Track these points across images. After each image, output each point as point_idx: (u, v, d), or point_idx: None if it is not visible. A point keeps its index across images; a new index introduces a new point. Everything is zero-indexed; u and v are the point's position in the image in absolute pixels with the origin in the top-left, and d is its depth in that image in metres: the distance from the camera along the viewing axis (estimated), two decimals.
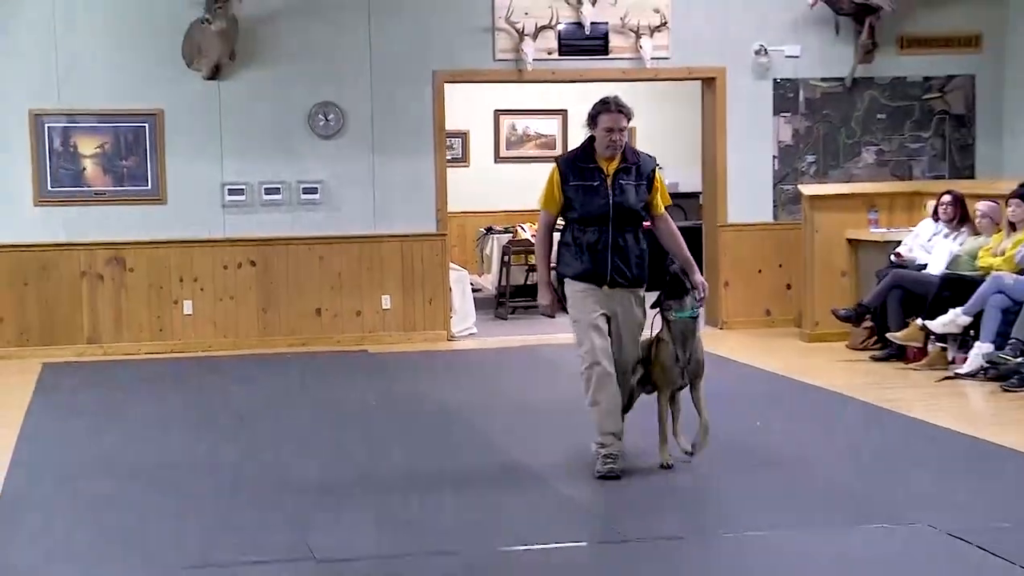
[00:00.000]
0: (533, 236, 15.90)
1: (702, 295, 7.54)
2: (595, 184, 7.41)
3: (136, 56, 12.74)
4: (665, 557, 6.25)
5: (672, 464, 7.53)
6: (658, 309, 7.55)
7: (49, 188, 12.70)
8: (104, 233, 12.81)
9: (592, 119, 7.48)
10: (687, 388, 7.60)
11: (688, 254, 7.63)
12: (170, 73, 12.77)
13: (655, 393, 7.68)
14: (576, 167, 7.49)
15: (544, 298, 7.69)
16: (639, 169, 7.49)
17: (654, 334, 7.57)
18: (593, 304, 7.41)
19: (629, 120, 7.46)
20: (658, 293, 7.53)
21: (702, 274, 7.72)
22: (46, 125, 12.65)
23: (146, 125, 12.80)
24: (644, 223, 7.59)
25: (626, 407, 7.63)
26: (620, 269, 7.42)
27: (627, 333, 7.52)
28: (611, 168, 7.42)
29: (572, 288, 7.52)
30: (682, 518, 6.84)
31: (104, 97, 12.72)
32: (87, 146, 12.75)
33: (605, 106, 7.41)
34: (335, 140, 13.15)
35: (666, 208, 7.59)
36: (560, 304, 7.66)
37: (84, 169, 12.76)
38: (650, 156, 7.65)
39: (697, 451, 7.57)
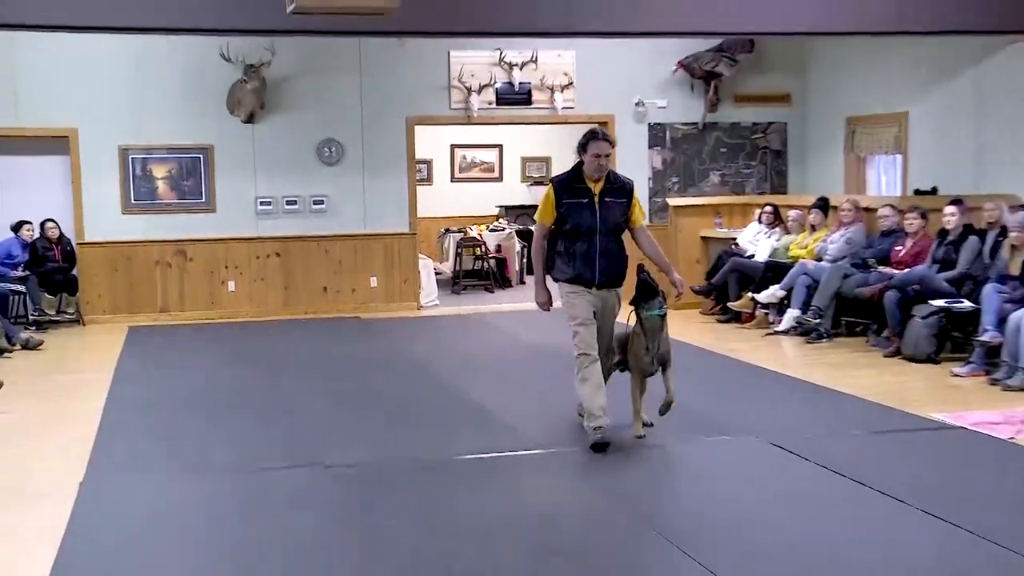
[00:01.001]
0: (479, 235, 15.99)
1: (679, 291, 6.95)
2: (585, 202, 6.59)
3: (194, 106, 12.64)
4: (570, 462, 6.31)
5: (644, 435, 6.70)
6: (632, 308, 6.84)
7: (132, 201, 12.57)
8: (171, 233, 12.70)
9: (583, 147, 6.58)
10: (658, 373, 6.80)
11: (665, 258, 7.11)
12: (218, 118, 12.67)
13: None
14: (569, 187, 6.66)
15: (541, 296, 6.83)
16: (621, 189, 6.72)
17: (630, 329, 6.88)
18: (584, 303, 6.66)
19: (613, 147, 6.71)
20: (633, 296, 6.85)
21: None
22: (130, 156, 12.52)
23: (201, 156, 12.70)
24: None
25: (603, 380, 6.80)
26: (605, 273, 6.75)
27: (607, 322, 6.85)
28: (598, 188, 6.62)
29: (564, 290, 6.73)
30: (577, 437, 6.71)
31: (171, 135, 12.61)
32: (159, 171, 12.64)
33: (594, 136, 6.57)
34: (336, 166, 13.08)
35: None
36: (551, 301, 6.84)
37: (157, 188, 12.64)
38: (629, 179, 6.84)
39: (663, 413, 6.66)
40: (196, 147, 12.71)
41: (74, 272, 12.49)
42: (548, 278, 6.83)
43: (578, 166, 6.72)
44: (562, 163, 18.73)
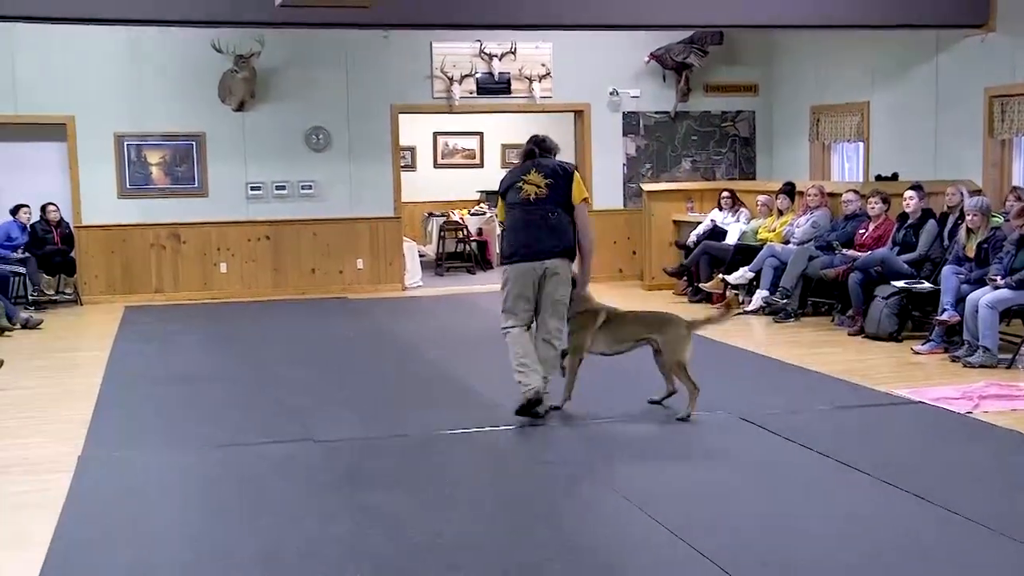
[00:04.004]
0: (460, 219, 15.95)
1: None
2: None
3: (186, 95, 12.55)
4: (549, 437, 6.31)
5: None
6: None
7: (127, 186, 12.49)
8: (165, 217, 12.63)
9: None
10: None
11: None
12: (210, 107, 12.59)
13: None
14: None
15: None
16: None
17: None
18: None
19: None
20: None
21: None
22: (125, 143, 12.43)
23: (194, 143, 12.61)
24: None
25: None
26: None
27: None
28: None
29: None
30: (557, 414, 6.67)
31: (165, 123, 12.53)
32: (153, 157, 12.55)
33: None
34: (324, 153, 13.02)
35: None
36: None
37: (151, 173, 12.56)
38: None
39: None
40: (189, 134, 12.62)
41: (72, 254, 12.41)
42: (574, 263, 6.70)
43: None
44: None
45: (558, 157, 6.87)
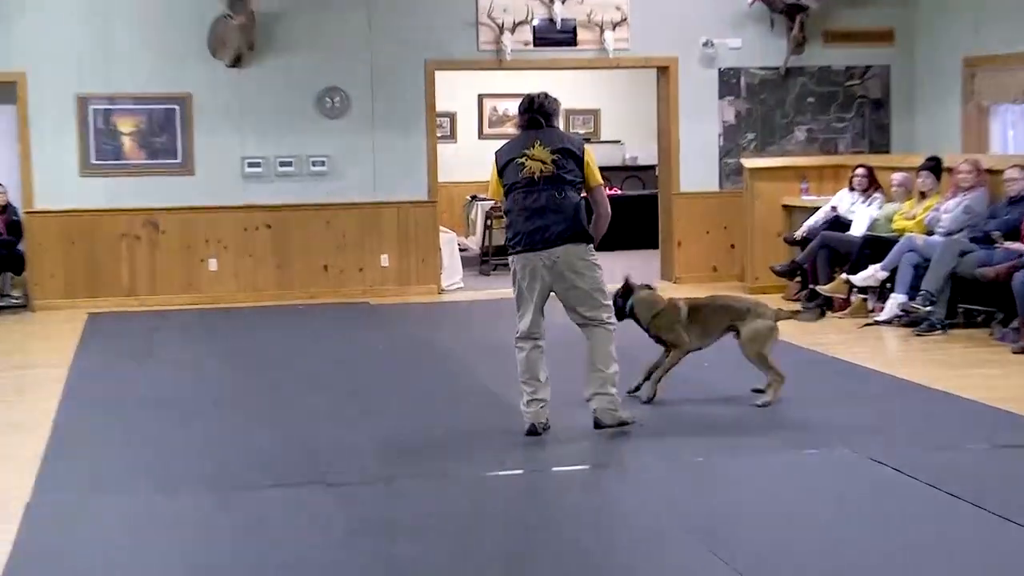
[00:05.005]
0: None
1: None
2: None
3: (168, 47, 12.66)
4: (625, 479, 6.27)
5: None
6: None
7: (92, 161, 12.63)
8: (140, 200, 12.74)
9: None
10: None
11: None
12: (198, 62, 12.70)
13: None
14: None
15: None
16: None
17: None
18: None
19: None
20: None
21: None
22: (91, 107, 12.57)
23: (177, 107, 12.73)
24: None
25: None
26: None
27: None
28: None
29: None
30: (634, 446, 6.79)
31: (141, 83, 12.65)
32: (125, 125, 12.69)
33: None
34: (340, 120, 13.08)
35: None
36: None
37: (123, 145, 12.70)
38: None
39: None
40: (171, 96, 12.73)
41: (20, 247, 12.55)
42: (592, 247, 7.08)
43: None
44: (613, 117, 18.74)
45: (559, 122, 7.26)
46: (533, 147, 6.89)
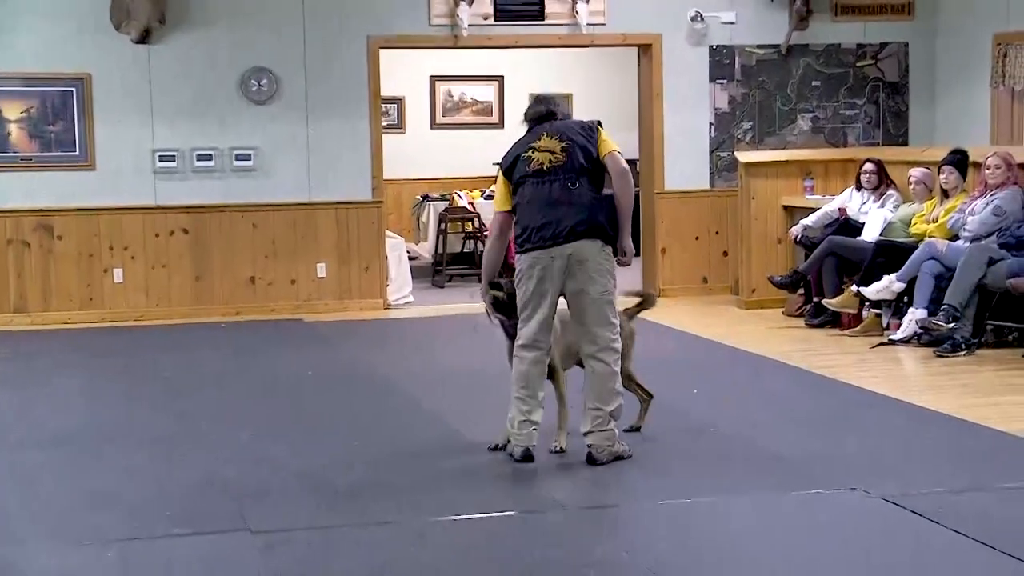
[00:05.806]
0: (470, 204, 15.98)
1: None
2: None
3: (63, 19, 12.63)
4: (601, 524, 6.28)
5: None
6: None
7: None
8: (30, 200, 12.70)
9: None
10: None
11: None
12: (98, 37, 12.67)
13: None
14: None
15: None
16: None
17: None
18: None
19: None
20: None
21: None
22: None
23: (73, 90, 12.70)
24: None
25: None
26: None
27: None
28: None
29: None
30: (619, 485, 6.85)
31: (30, 60, 12.62)
32: (12, 111, 12.64)
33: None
34: (268, 106, 13.09)
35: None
36: None
37: (9, 134, 12.65)
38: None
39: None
40: (66, 76, 12.71)
41: None
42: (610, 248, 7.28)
43: None
44: (586, 102, 18.72)
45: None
46: (540, 139, 7.15)
